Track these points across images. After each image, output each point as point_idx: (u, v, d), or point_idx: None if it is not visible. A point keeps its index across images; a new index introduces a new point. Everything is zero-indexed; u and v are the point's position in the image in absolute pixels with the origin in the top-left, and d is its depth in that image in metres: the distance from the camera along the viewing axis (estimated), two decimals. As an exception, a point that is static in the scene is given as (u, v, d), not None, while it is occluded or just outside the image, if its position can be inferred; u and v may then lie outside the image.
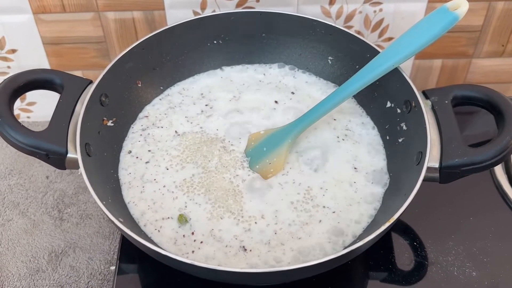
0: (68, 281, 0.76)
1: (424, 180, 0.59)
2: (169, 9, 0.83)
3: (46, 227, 0.82)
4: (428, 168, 0.60)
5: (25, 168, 0.89)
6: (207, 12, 0.83)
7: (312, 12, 0.83)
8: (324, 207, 0.66)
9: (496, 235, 0.70)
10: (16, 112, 0.92)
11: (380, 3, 0.83)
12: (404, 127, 0.69)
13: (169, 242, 0.63)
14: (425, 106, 0.65)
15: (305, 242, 0.63)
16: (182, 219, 0.64)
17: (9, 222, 0.82)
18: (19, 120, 0.63)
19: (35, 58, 0.88)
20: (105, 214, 0.57)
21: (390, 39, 0.88)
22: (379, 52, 0.70)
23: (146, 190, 0.67)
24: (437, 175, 0.62)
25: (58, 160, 0.62)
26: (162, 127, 0.74)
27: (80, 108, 0.64)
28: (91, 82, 0.68)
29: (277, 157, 0.70)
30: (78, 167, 0.61)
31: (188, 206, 0.66)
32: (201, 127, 0.74)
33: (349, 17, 0.85)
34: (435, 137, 0.63)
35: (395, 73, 0.68)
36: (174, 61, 0.78)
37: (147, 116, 0.75)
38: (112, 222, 0.57)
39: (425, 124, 0.63)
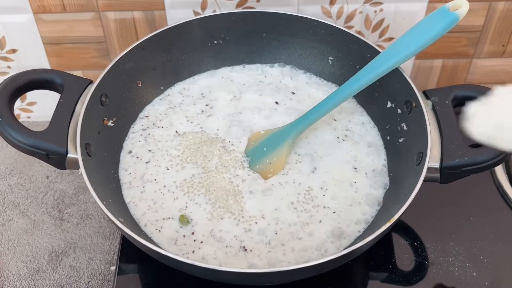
0: (68, 281, 0.76)
1: (424, 180, 0.59)
2: (170, 9, 0.83)
3: (47, 227, 0.82)
4: (429, 169, 0.60)
5: (25, 168, 0.89)
6: (208, 12, 0.83)
7: (313, 12, 0.83)
8: (324, 207, 0.66)
9: (497, 235, 0.70)
10: (16, 112, 0.92)
11: (380, 3, 0.83)
12: (405, 127, 0.69)
13: (170, 242, 0.63)
14: (425, 106, 0.65)
15: (306, 243, 0.63)
16: (184, 220, 0.64)
17: (9, 222, 0.82)
18: (19, 120, 0.63)
19: (35, 58, 0.88)
20: (106, 214, 0.57)
21: (390, 39, 0.88)
22: (379, 52, 0.70)
23: (147, 190, 0.67)
24: (437, 175, 0.62)
25: (58, 160, 0.62)
26: (162, 127, 0.74)
27: (81, 108, 0.64)
28: (91, 82, 0.68)
29: (277, 157, 0.70)
30: (78, 167, 0.61)
31: (189, 206, 0.66)
32: (201, 127, 0.74)
33: (350, 17, 0.85)
34: (436, 137, 0.63)
35: (396, 73, 0.68)
36: (174, 61, 0.78)
37: (147, 116, 0.75)
38: (113, 222, 0.57)
39: (425, 124, 0.63)
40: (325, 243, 0.63)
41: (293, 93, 0.78)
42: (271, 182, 0.68)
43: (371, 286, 0.67)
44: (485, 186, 0.76)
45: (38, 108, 0.95)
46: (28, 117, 0.97)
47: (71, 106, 0.65)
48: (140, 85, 0.75)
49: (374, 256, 0.68)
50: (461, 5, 0.62)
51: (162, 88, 0.78)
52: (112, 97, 0.70)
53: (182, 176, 0.69)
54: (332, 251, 0.62)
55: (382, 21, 0.85)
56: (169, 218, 0.65)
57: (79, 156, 0.61)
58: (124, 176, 0.69)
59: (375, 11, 0.84)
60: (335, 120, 0.75)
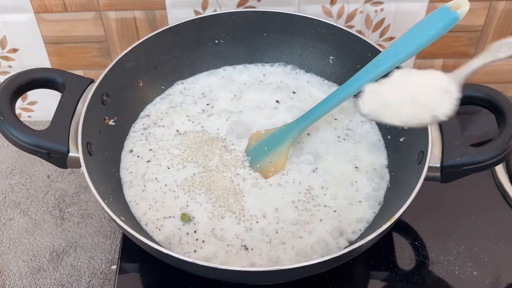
0: (69, 280, 0.76)
1: (425, 179, 0.59)
2: (171, 9, 0.83)
3: (47, 226, 0.82)
4: (430, 168, 0.60)
5: (26, 167, 0.89)
6: (208, 12, 0.83)
7: (313, 11, 0.84)
8: (325, 206, 0.66)
9: (497, 234, 0.70)
10: (17, 111, 0.92)
11: (381, 2, 0.83)
12: (405, 127, 0.69)
13: (171, 241, 0.63)
14: (426, 106, 0.65)
15: (306, 241, 0.63)
16: (186, 218, 0.64)
17: (10, 221, 0.82)
18: (20, 120, 0.63)
19: (36, 58, 0.88)
20: (107, 213, 0.57)
21: (391, 38, 0.88)
22: (380, 51, 0.70)
23: (148, 189, 0.68)
24: (438, 174, 0.62)
25: (60, 159, 0.62)
26: (163, 126, 0.74)
27: (82, 107, 0.65)
28: (92, 81, 0.68)
29: (278, 157, 0.70)
30: (79, 166, 0.61)
31: (190, 205, 0.66)
32: (202, 126, 0.74)
33: (350, 17, 0.85)
34: (437, 137, 0.63)
35: (396, 72, 0.68)
36: (175, 60, 0.78)
37: (148, 115, 0.76)
38: (114, 221, 0.57)
39: (426, 124, 0.63)
40: (326, 242, 0.63)
41: (294, 92, 0.78)
42: (272, 181, 0.68)
43: (371, 285, 0.67)
44: (486, 185, 0.76)
45: (39, 108, 0.95)
46: (29, 116, 0.97)
47: (73, 105, 0.65)
48: (141, 85, 0.76)
49: (375, 255, 0.68)
50: (461, 5, 0.62)
51: (163, 87, 0.78)
52: (113, 96, 0.70)
53: (183, 175, 0.69)
54: (333, 250, 0.62)
55: (382, 20, 0.85)
56: (170, 217, 0.65)
57: (80, 155, 0.61)
58: (125, 175, 0.69)
59: (376, 11, 0.84)
60: (336, 119, 0.75)
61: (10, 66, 0.89)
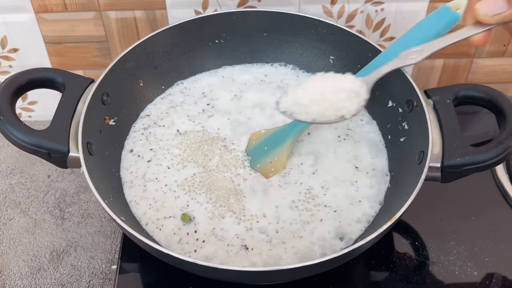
0: (69, 280, 0.76)
1: (425, 179, 0.59)
2: (171, 9, 0.83)
3: (48, 226, 0.82)
4: (430, 168, 0.60)
5: (26, 167, 0.89)
6: (209, 12, 0.83)
7: (314, 11, 0.84)
8: (325, 206, 0.66)
9: (498, 234, 0.70)
10: (17, 111, 0.92)
11: (381, 2, 0.83)
12: (406, 127, 0.69)
13: (171, 241, 0.63)
14: (426, 106, 0.65)
15: (307, 241, 0.63)
16: (186, 218, 0.64)
17: (10, 221, 0.82)
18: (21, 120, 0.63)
19: (36, 57, 0.88)
20: (107, 212, 0.57)
21: (391, 38, 0.88)
22: (380, 51, 0.70)
23: (148, 189, 0.68)
24: (438, 174, 0.62)
25: (60, 158, 0.62)
26: (163, 126, 0.74)
27: (82, 107, 0.65)
28: (92, 81, 0.68)
29: (278, 156, 0.70)
30: (79, 166, 0.61)
31: (190, 205, 0.66)
32: (202, 126, 0.74)
33: (351, 17, 0.85)
34: (437, 137, 0.63)
35: (397, 72, 0.68)
36: (175, 60, 0.78)
37: (148, 115, 0.76)
38: (114, 220, 0.57)
39: (426, 124, 0.63)
40: (326, 241, 0.63)
41: (294, 92, 0.78)
42: (272, 181, 0.68)
43: (371, 285, 0.67)
44: (486, 185, 0.76)
45: (39, 108, 0.95)
46: (30, 116, 0.97)
47: (73, 105, 0.65)
48: (141, 84, 0.76)
49: (375, 255, 0.68)
50: (462, 5, 0.62)
51: (163, 87, 0.78)
52: (114, 96, 0.70)
53: (183, 175, 0.69)
54: (333, 250, 0.62)
55: (383, 20, 0.85)
56: (170, 217, 0.65)
57: (80, 155, 0.61)
58: (126, 175, 0.69)
59: (376, 11, 0.84)
60: (336, 119, 0.75)
61: (10, 66, 0.89)
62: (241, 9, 0.83)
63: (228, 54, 0.80)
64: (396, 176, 0.68)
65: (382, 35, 0.87)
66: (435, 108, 0.65)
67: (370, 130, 0.74)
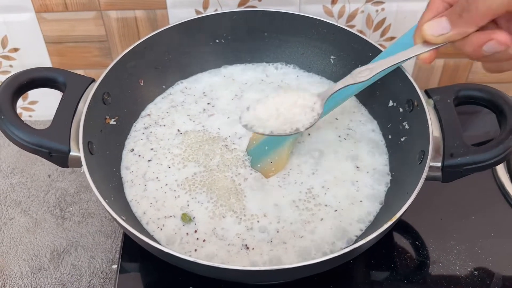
0: (70, 279, 0.76)
1: (426, 179, 0.59)
2: (172, 8, 0.83)
3: (48, 225, 0.82)
4: (431, 167, 0.60)
5: (27, 167, 0.89)
6: (209, 11, 0.83)
7: (314, 11, 0.84)
8: (326, 205, 0.66)
9: (498, 234, 0.70)
10: (18, 111, 0.91)
11: (382, 2, 0.83)
12: (407, 126, 0.69)
13: (172, 241, 0.63)
14: (427, 105, 0.65)
15: (307, 241, 0.63)
16: (186, 218, 0.64)
17: (11, 220, 0.82)
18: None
19: (37, 57, 0.88)
20: (108, 212, 0.57)
21: (392, 38, 0.88)
22: (381, 51, 0.70)
23: (149, 189, 0.68)
24: (439, 174, 0.62)
25: (61, 158, 0.62)
26: (164, 126, 0.74)
27: (83, 107, 0.65)
28: (93, 80, 0.68)
29: (279, 156, 0.70)
30: (80, 165, 0.61)
31: (190, 205, 0.66)
32: (203, 126, 0.74)
33: (351, 17, 0.85)
34: (438, 136, 0.63)
35: (398, 72, 0.68)
36: (176, 60, 0.78)
37: (149, 115, 0.76)
38: (115, 220, 0.57)
39: (427, 123, 0.63)
40: (326, 241, 0.63)
41: (294, 92, 0.78)
42: (273, 181, 0.68)
43: (372, 285, 0.67)
44: (487, 185, 0.76)
45: (39, 107, 0.95)
46: (30, 116, 0.97)
47: (74, 104, 0.65)
48: (142, 84, 0.76)
49: (376, 255, 0.68)
50: None
51: (164, 87, 0.78)
52: (114, 96, 0.70)
53: (183, 174, 0.69)
54: (334, 250, 0.62)
55: (383, 20, 0.85)
56: (171, 216, 0.65)
57: (81, 154, 0.61)
58: (126, 174, 0.69)
59: (377, 11, 0.84)
60: (336, 119, 0.75)
61: (11, 66, 0.89)
62: (242, 9, 0.83)
63: (228, 54, 0.80)
64: (396, 175, 0.68)
65: (382, 34, 0.87)
66: (435, 108, 0.65)
67: (370, 130, 0.74)
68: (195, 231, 0.64)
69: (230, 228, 0.64)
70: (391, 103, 0.72)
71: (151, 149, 0.72)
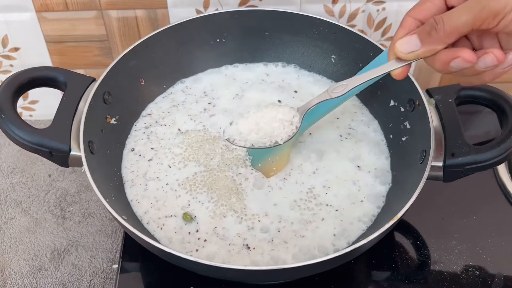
0: (70, 279, 0.76)
1: (427, 178, 0.59)
2: (172, 8, 0.83)
3: (49, 225, 0.82)
4: (432, 167, 0.60)
5: (27, 167, 0.89)
6: (210, 11, 0.83)
7: (315, 10, 0.83)
8: (327, 205, 0.66)
9: (499, 234, 0.70)
10: (18, 111, 0.91)
11: (383, 2, 0.83)
12: (408, 126, 0.69)
13: (172, 240, 0.63)
14: (428, 105, 0.65)
15: (308, 240, 0.62)
16: (188, 217, 0.64)
17: (11, 220, 0.82)
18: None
19: (37, 57, 0.88)
20: (109, 211, 0.57)
21: (392, 38, 0.87)
22: (382, 50, 0.70)
23: (149, 188, 0.67)
24: (440, 173, 0.62)
25: (61, 157, 0.62)
26: (165, 125, 0.74)
27: (83, 106, 0.64)
28: (94, 80, 0.68)
29: (280, 156, 0.70)
30: (81, 165, 0.61)
31: (191, 204, 0.66)
32: (204, 125, 0.74)
33: (352, 16, 0.85)
34: (439, 136, 0.63)
35: (399, 71, 0.68)
36: (177, 59, 0.78)
37: (150, 114, 0.75)
38: (116, 219, 0.57)
39: (428, 123, 0.63)
40: (328, 241, 0.63)
41: (295, 91, 0.78)
42: (274, 181, 0.68)
43: (373, 285, 0.67)
44: (488, 184, 0.76)
45: (40, 107, 0.95)
46: (30, 115, 0.97)
47: (74, 104, 0.65)
48: (142, 83, 0.75)
49: (377, 254, 0.68)
50: None
51: (164, 86, 0.78)
52: (115, 95, 0.70)
53: (184, 174, 0.69)
54: (335, 249, 0.62)
55: (384, 19, 0.85)
56: (171, 216, 0.65)
57: (82, 154, 0.61)
58: (127, 174, 0.69)
59: (378, 10, 0.84)
60: (338, 118, 0.75)
61: (11, 65, 0.89)
62: (243, 8, 0.83)
63: (229, 53, 0.80)
64: (398, 175, 0.68)
65: (383, 34, 0.87)
66: (437, 107, 0.65)
67: (372, 130, 0.74)
68: (196, 231, 0.64)
69: (231, 228, 0.64)
70: (392, 103, 0.72)
71: (152, 148, 0.71)
